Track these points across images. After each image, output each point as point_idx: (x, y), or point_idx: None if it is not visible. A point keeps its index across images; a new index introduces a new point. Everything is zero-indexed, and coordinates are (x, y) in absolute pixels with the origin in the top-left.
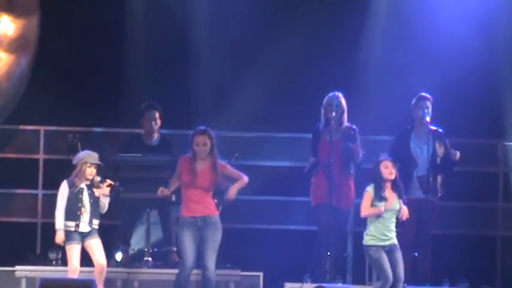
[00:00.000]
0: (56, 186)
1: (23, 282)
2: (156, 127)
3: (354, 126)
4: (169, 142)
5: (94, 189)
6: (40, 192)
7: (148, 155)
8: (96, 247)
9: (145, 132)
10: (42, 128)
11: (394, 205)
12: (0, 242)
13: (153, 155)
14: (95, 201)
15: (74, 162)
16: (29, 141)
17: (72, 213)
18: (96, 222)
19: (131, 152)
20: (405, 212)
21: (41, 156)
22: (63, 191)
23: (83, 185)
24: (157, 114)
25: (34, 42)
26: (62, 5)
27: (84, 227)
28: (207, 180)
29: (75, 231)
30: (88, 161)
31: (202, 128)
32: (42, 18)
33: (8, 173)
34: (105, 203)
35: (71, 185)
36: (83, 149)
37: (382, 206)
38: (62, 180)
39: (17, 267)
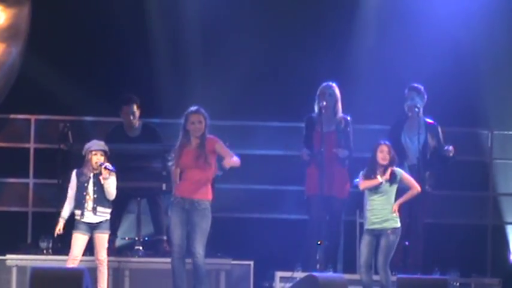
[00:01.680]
0: (47, 176)
1: (14, 271)
2: (135, 121)
3: (348, 117)
4: (155, 130)
5: (100, 177)
6: (31, 181)
7: (136, 144)
8: (98, 243)
9: (126, 124)
10: (33, 117)
11: (383, 187)
12: None
13: (141, 144)
14: (99, 189)
15: (83, 153)
16: (19, 130)
17: (79, 202)
18: (102, 210)
19: (114, 143)
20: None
21: (31, 145)
22: (72, 181)
23: (91, 174)
24: (134, 107)
25: (25, 31)
26: None
27: (89, 216)
28: (200, 159)
29: (81, 220)
30: (92, 148)
31: (195, 107)
32: (33, 6)
33: None
34: (107, 187)
35: (80, 175)
36: (73, 138)
37: (378, 179)
38: (53, 170)
39: (8, 256)
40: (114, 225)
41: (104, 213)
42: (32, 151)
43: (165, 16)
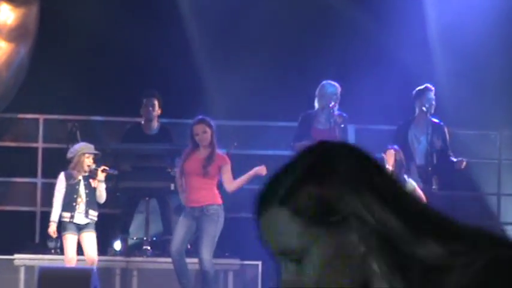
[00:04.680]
0: (55, 175)
1: (22, 271)
2: (154, 114)
3: (344, 114)
4: (169, 131)
5: (91, 180)
6: (39, 180)
7: (148, 143)
8: (88, 242)
9: (144, 120)
10: (41, 117)
11: None
12: None
13: (153, 144)
14: (91, 192)
15: (70, 155)
16: (28, 129)
17: (68, 204)
18: (93, 213)
19: (131, 141)
20: None
21: (40, 145)
22: (60, 184)
23: (80, 177)
24: (155, 102)
25: (33, 31)
26: None
27: (79, 218)
28: (206, 168)
29: (70, 221)
30: (85, 151)
31: (200, 117)
32: (41, 6)
33: (7, 162)
34: (101, 190)
35: (69, 177)
36: (82, 138)
37: None
38: (61, 169)
39: (16, 256)
40: (125, 224)
41: (94, 216)
42: (40, 151)
43: (174, 16)
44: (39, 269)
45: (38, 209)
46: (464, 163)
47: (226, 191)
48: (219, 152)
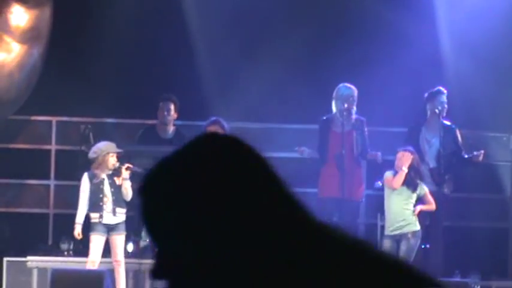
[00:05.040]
0: (68, 177)
1: (35, 273)
2: (169, 119)
3: (363, 118)
4: (184, 136)
5: (115, 178)
6: (52, 183)
7: (162, 146)
8: (116, 244)
9: (159, 123)
10: (54, 119)
11: (407, 194)
12: (12, 233)
13: (167, 147)
14: (116, 190)
15: (93, 155)
16: (41, 131)
17: (95, 204)
18: (121, 211)
19: (145, 144)
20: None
21: (53, 147)
22: (84, 185)
23: (103, 176)
24: (172, 106)
25: (46, 33)
26: None
27: (108, 218)
28: None
29: (100, 222)
30: (110, 151)
31: (214, 118)
32: (55, 8)
33: (20, 164)
34: (127, 187)
35: (92, 177)
36: (95, 140)
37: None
38: (74, 171)
39: (29, 258)
40: (138, 226)
41: (122, 214)
42: (53, 153)
43: (185, 20)
44: (52, 271)
45: (51, 211)
46: (482, 155)
47: None
48: None
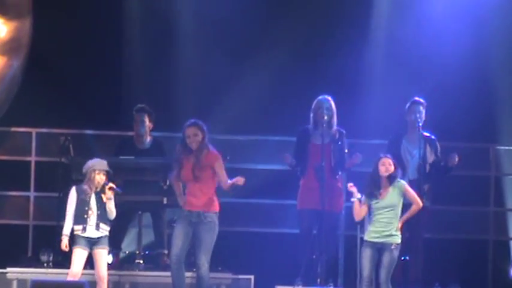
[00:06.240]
0: (48, 189)
1: (14, 284)
2: (144, 130)
3: (343, 130)
4: (162, 145)
5: (102, 195)
6: (32, 194)
7: (140, 157)
8: (99, 258)
9: (135, 134)
10: (34, 130)
11: (391, 200)
12: None
13: (145, 158)
14: (102, 206)
15: (83, 170)
16: (21, 143)
17: (80, 217)
18: (104, 227)
19: (123, 155)
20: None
21: (32, 158)
22: (71, 197)
23: (92, 192)
24: (146, 117)
25: (26, 44)
26: (55, 7)
27: (91, 231)
28: (195, 171)
29: (82, 235)
30: (96, 168)
31: (193, 120)
32: (35, 20)
33: (0, 175)
34: (110, 207)
35: (80, 192)
36: (74, 152)
37: (355, 199)
38: (53, 183)
39: (9, 269)
40: (118, 238)
41: (105, 230)
42: (33, 164)
43: (166, 32)
44: (32, 282)
45: (31, 222)
46: (457, 158)
47: (232, 185)
48: (212, 150)
